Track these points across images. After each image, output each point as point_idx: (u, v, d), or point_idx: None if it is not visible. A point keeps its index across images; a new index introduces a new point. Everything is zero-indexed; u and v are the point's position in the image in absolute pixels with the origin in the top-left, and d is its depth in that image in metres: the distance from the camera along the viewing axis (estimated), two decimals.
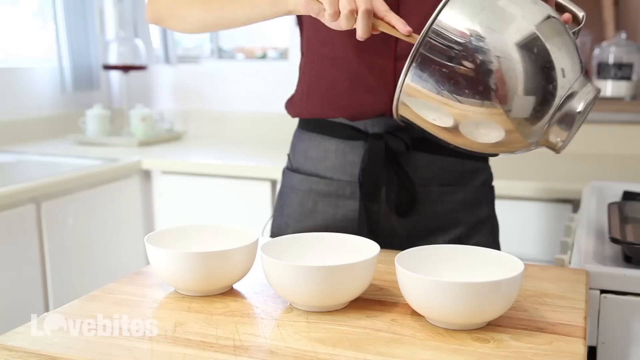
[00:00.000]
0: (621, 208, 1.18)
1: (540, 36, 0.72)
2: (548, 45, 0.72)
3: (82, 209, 1.95)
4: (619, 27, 2.27)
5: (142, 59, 2.62)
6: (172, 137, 2.59)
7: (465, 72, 0.71)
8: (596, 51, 2.18)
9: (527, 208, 1.69)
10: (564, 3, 0.83)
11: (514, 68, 0.71)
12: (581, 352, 0.68)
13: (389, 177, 1.02)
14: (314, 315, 0.77)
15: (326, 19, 0.82)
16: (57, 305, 1.54)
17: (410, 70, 0.74)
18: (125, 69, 2.59)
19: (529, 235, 1.70)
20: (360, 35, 0.80)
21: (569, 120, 0.74)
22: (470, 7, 0.73)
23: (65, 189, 1.88)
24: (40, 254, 1.79)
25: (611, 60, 2.12)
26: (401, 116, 0.80)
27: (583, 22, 0.81)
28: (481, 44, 0.71)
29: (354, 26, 0.80)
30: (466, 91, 0.72)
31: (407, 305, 0.77)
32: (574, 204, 1.64)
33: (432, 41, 0.73)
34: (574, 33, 0.79)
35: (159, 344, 0.70)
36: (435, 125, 0.77)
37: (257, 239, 0.86)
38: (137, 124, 2.46)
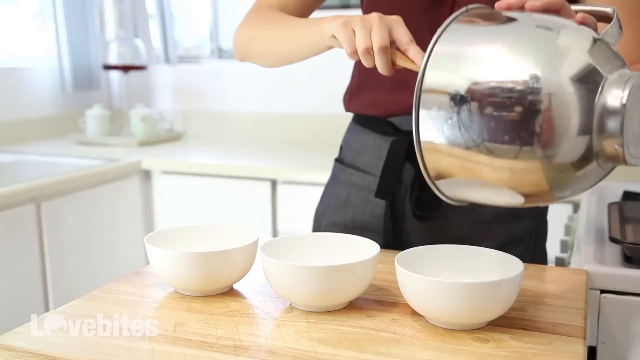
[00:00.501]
0: (621, 208, 1.18)
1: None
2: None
3: (82, 209, 1.95)
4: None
5: (142, 59, 2.62)
6: (172, 137, 2.59)
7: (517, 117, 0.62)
8: None
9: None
10: (590, 8, 0.74)
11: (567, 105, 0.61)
12: (581, 352, 0.68)
13: (414, 177, 1.00)
14: (314, 315, 0.77)
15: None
16: (57, 305, 1.54)
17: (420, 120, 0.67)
18: (125, 69, 2.59)
19: None
20: (381, 71, 0.78)
21: (614, 121, 0.61)
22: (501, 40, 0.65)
23: (65, 189, 1.88)
24: (40, 254, 1.79)
25: None
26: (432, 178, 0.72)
27: (615, 15, 0.71)
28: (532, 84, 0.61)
29: (375, 63, 0.78)
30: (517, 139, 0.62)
31: (407, 305, 0.77)
32: (574, 204, 1.64)
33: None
34: (608, 33, 0.69)
35: (159, 344, 0.70)
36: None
37: (257, 239, 0.86)
38: (137, 124, 2.46)
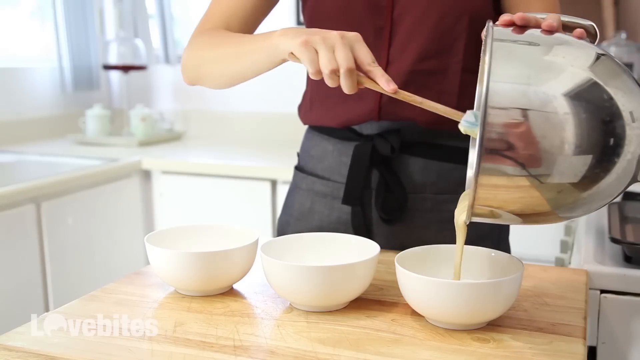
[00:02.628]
0: (621, 208, 1.18)
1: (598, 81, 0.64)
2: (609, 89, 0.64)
3: (82, 209, 1.95)
4: (619, 27, 2.27)
5: (142, 59, 2.62)
6: (172, 137, 2.59)
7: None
8: None
9: None
10: (571, 20, 0.76)
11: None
12: (581, 352, 0.68)
13: (379, 181, 1.00)
14: (314, 315, 0.77)
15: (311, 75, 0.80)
16: (57, 305, 1.54)
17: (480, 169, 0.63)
18: (125, 69, 2.59)
19: (529, 235, 1.70)
20: (346, 92, 0.78)
21: None
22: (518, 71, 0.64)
23: (65, 189, 1.88)
24: (40, 254, 1.79)
25: None
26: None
27: (598, 33, 0.74)
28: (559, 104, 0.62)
29: (339, 84, 0.78)
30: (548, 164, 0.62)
31: (407, 305, 0.77)
32: None
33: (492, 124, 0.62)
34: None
35: (159, 344, 0.70)
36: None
37: (257, 239, 0.86)
38: (137, 124, 2.46)
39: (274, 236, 1.21)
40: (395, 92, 0.75)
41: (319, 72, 0.77)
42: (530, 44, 0.67)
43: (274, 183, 2.02)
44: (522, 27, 0.69)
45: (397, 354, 0.67)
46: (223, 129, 2.69)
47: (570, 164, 0.63)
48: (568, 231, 1.38)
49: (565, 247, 1.29)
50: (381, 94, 0.95)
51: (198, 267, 0.80)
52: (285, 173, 2.00)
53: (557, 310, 0.78)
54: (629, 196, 1.37)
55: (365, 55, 0.76)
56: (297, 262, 0.83)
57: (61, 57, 2.55)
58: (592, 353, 0.94)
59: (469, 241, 0.98)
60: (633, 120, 0.63)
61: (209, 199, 2.12)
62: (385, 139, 0.98)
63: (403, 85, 0.96)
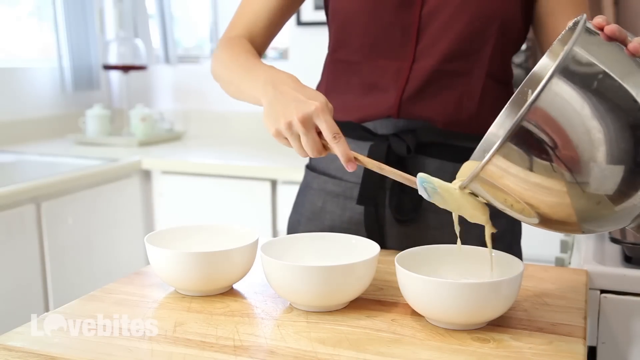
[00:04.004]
0: None
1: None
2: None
3: (82, 209, 1.95)
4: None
5: (142, 59, 2.62)
6: (172, 137, 2.59)
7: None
8: None
9: None
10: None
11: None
12: (581, 352, 0.68)
13: (394, 181, 1.00)
14: (314, 315, 0.77)
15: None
16: (57, 305, 1.54)
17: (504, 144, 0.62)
18: (125, 69, 2.59)
19: (529, 235, 1.69)
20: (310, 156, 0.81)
21: None
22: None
23: (65, 189, 1.88)
24: (40, 254, 1.79)
25: None
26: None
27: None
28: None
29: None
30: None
31: (407, 305, 0.77)
32: None
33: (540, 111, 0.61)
34: None
35: (159, 344, 0.70)
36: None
37: (257, 239, 0.86)
38: (137, 124, 2.46)
39: (274, 236, 1.22)
40: (353, 170, 0.79)
41: (303, 155, 0.82)
42: (614, 50, 0.65)
43: (274, 183, 2.02)
44: (608, 37, 0.67)
45: (397, 354, 0.67)
46: (223, 129, 2.69)
47: (602, 176, 0.61)
48: None
49: (565, 247, 1.29)
50: (402, 91, 0.95)
51: (198, 267, 0.80)
52: (285, 173, 2.00)
53: (557, 310, 0.78)
54: None
55: (327, 132, 0.79)
56: (297, 262, 0.83)
57: (61, 57, 2.55)
58: (592, 353, 0.94)
59: (480, 244, 0.98)
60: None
61: (209, 199, 2.12)
62: (401, 139, 0.98)
63: (426, 84, 0.97)
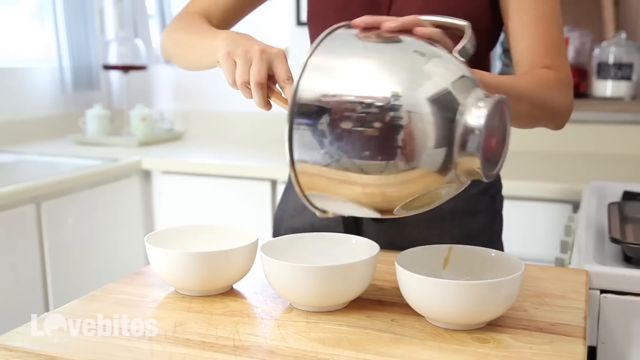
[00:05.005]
0: (621, 208, 1.18)
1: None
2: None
3: (82, 209, 1.95)
4: (619, 27, 2.27)
5: (142, 59, 2.62)
6: (172, 137, 2.59)
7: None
8: (596, 51, 2.18)
9: (528, 208, 1.69)
10: (446, 20, 0.77)
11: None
12: (581, 352, 0.68)
13: None
14: (314, 315, 0.77)
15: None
16: (57, 305, 1.54)
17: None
18: (125, 69, 2.59)
19: (529, 235, 1.70)
20: (257, 106, 0.80)
21: (472, 142, 0.64)
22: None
23: (65, 189, 1.88)
24: (40, 254, 1.79)
25: (611, 60, 2.13)
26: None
27: (469, 32, 0.73)
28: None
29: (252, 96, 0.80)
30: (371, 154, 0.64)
31: (407, 305, 0.77)
32: (574, 204, 1.64)
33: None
34: (464, 48, 0.72)
35: (159, 344, 0.70)
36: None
37: (257, 239, 0.86)
38: (137, 124, 2.46)
39: (274, 236, 1.22)
40: None
41: (235, 82, 0.80)
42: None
43: (274, 183, 2.02)
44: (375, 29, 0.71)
45: (397, 354, 0.67)
46: (223, 129, 2.69)
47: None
48: (568, 231, 1.38)
49: (565, 247, 1.29)
50: None
51: (198, 267, 0.80)
52: (285, 173, 2.00)
53: (557, 310, 0.78)
54: (629, 196, 1.37)
55: (282, 71, 0.78)
56: (297, 262, 0.83)
57: (61, 57, 2.55)
58: (592, 353, 0.94)
59: (457, 240, 0.99)
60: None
61: (209, 199, 2.12)
62: None
63: None
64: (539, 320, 0.75)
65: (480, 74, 0.79)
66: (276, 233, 1.15)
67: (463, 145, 0.65)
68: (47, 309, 1.80)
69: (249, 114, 2.66)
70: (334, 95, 0.65)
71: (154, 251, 0.83)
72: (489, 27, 1.00)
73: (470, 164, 0.65)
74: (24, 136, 2.46)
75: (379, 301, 0.81)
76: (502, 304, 0.72)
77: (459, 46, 0.71)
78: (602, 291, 0.94)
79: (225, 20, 1.08)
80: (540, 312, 0.78)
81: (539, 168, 1.93)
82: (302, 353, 0.67)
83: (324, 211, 0.75)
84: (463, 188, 0.71)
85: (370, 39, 0.70)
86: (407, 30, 0.71)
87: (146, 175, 2.20)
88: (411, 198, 0.67)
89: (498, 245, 1.09)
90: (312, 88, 0.66)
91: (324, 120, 0.65)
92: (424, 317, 0.75)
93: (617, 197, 1.38)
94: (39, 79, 2.56)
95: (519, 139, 2.24)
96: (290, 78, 0.78)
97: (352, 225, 1.03)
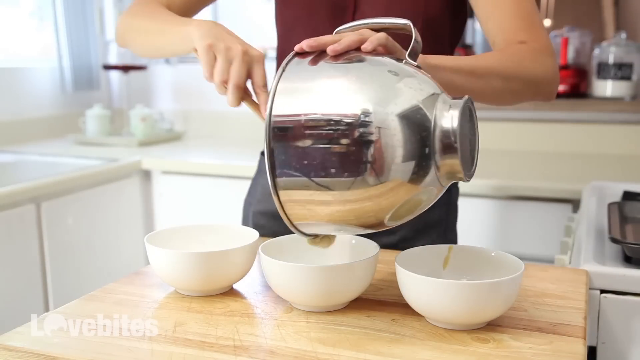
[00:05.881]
0: (621, 208, 1.18)
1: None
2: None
3: (82, 209, 1.94)
4: (619, 27, 2.27)
5: (142, 59, 2.62)
6: (172, 137, 2.59)
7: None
8: (596, 51, 2.18)
9: (527, 208, 1.69)
10: (388, 22, 0.78)
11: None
12: (581, 352, 0.68)
13: None
14: (314, 315, 0.77)
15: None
16: (57, 305, 1.54)
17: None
18: (125, 69, 2.59)
19: (529, 235, 1.70)
20: (229, 105, 0.80)
21: (450, 144, 0.65)
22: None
23: (65, 189, 1.88)
24: (40, 254, 1.79)
25: (611, 60, 2.13)
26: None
27: (413, 31, 0.73)
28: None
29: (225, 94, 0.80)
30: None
31: (407, 305, 0.77)
32: (574, 204, 1.64)
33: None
34: (413, 49, 0.73)
35: (159, 344, 0.70)
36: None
37: (257, 239, 0.86)
38: (137, 124, 2.46)
39: (243, 221, 1.24)
40: None
41: (212, 77, 0.80)
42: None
43: None
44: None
45: (397, 354, 0.67)
46: (223, 129, 2.69)
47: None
48: (568, 231, 1.38)
49: (565, 247, 1.29)
50: None
51: (198, 267, 0.80)
52: None
53: (557, 310, 0.78)
54: (629, 196, 1.37)
55: (259, 77, 0.79)
56: (297, 262, 0.83)
57: (61, 57, 2.55)
58: (592, 353, 0.94)
59: (416, 229, 1.04)
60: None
61: (209, 199, 2.12)
62: None
63: None
64: (539, 320, 0.75)
65: (441, 59, 0.80)
66: (245, 218, 1.17)
67: (442, 149, 0.65)
68: (47, 309, 1.80)
69: (249, 114, 2.65)
70: (308, 118, 0.66)
71: (154, 251, 0.83)
72: (446, 23, 1.03)
73: (451, 166, 0.66)
74: (24, 136, 2.46)
75: (379, 301, 0.81)
76: (502, 304, 0.72)
77: (409, 49, 0.73)
78: (602, 291, 0.94)
79: (186, 11, 1.08)
80: (540, 312, 0.78)
81: (539, 168, 1.94)
82: (302, 353, 0.67)
83: (315, 236, 0.76)
84: (443, 192, 0.71)
85: (329, 62, 0.70)
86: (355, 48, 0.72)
87: (146, 175, 2.20)
88: (396, 207, 0.68)
89: (453, 233, 1.14)
90: (285, 112, 0.67)
91: (303, 143, 0.66)
92: (424, 317, 0.75)
93: (617, 197, 1.38)
94: (39, 79, 2.56)
95: (519, 139, 2.25)
96: (265, 85, 0.79)
97: None
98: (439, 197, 0.71)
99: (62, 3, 2.50)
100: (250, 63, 0.79)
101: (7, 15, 2.58)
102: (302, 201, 0.68)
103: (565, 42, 2.21)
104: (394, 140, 0.64)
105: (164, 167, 2.15)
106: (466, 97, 0.68)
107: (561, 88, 2.20)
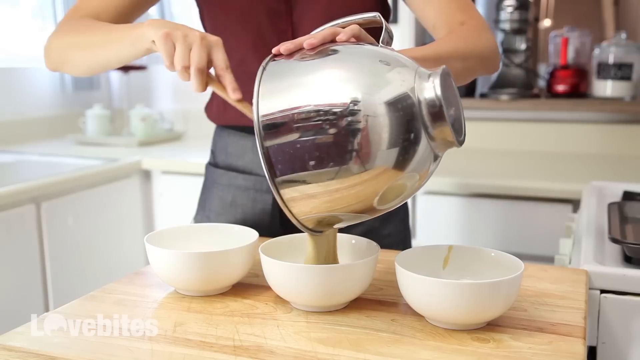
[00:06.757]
0: (621, 208, 1.18)
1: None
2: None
3: (82, 209, 1.95)
4: (619, 27, 2.27)
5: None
6: (172, 137, 2.59)
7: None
8: (596, 51, 2.18)
9: (527, 208, 1.69)
10: (359, 17, 0.79)
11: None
12: (581, 352, 0.68)
13: None
14: (314, 315, 0.77)
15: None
16: (57, 305, 1.54)
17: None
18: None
19: (529, 235, 1.70)
20: (194, 90, 0.81)
21: (438, 112, 0.67)
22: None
23: (65, 189, 1.88)
24: (40, 254, 1.79)
25: (611, 60, 2.13)
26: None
27: (382, 21, 0.76)
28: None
29: (189, 80, 0.80)
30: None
31: (407, 305, 0.77)
32: (574, 204, 1.64)
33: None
34: (385, 37, 0.75)
35: (159, 344, 0.70)
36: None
37: (257, 239, 0.86)
38: (137, 124, 2.46)
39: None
40: (239, 101, 0.79)
41: (173, 65, 0.80)
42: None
43: None
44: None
45: (397, 354, 0.67)
46: None
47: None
48: (568, 231, 1.38)
49: (565, 247, 1.29)
50: None
51: (198, 267, 0.80)
52: None
53: (557, 310, 0.78)
54: (629, 196, 1.37)
55: (221, 60, 0.80)
56: (296, 262, 0.83)
57: None
58: (592, 353, 0.94)
59: (382, 218, 1.06)
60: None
61: None
62: None
63: None
64: (539, 320, 0.75)
65: (408, 51, 0.82)
66: None
67: (432, 119, 0.67)
68: (47, 309, 1.80)
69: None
70: (298, 111, 0.67)
71: (154, 251, 0.83)
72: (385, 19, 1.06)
73: (443, 133, 0.68)
74: (24, 136, 2.46)
75: (379, 301, 0.81)
76: (502, 304, 0.72)
77: (382, 37, 0.75)
78: (602, 291, 0.94)
79: (117, 23, 1.05)
80: (540, 312, 0.78)
81: (539, 168, 1.94)
82: (302, 353, 0.67)
83: (319, 231, 0.77)
84: (439, 162, 0.73)
85: (306, 59, 0.71)
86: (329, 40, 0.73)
87: (146, 175, 2.20)
88: (399, 185, 0.70)
89: (408, 220, 1.19)
90: (272, 111, 0.68)
91: (298, 136, 0.66)
92: (424, 317, 0.75)
93: (617, 197, 1.38)
94: (39, 79, 2.56)
95: (519, 139, 2.25)
96: (228, 67, 0.79)
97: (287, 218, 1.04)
98: (436, 168, 0.73)
99: (63, 3, 2.50)
100: (209, 47, 0.80)
101: (8, 15, 2.58)
102: (305, 196, 0.69)
103: (565, 42, 2.21)
104: (386, 121, 0.66)
105: (164, 167, 2.15)
106: (443, 66, 0.70)
107: (561, 88, 2.21)
